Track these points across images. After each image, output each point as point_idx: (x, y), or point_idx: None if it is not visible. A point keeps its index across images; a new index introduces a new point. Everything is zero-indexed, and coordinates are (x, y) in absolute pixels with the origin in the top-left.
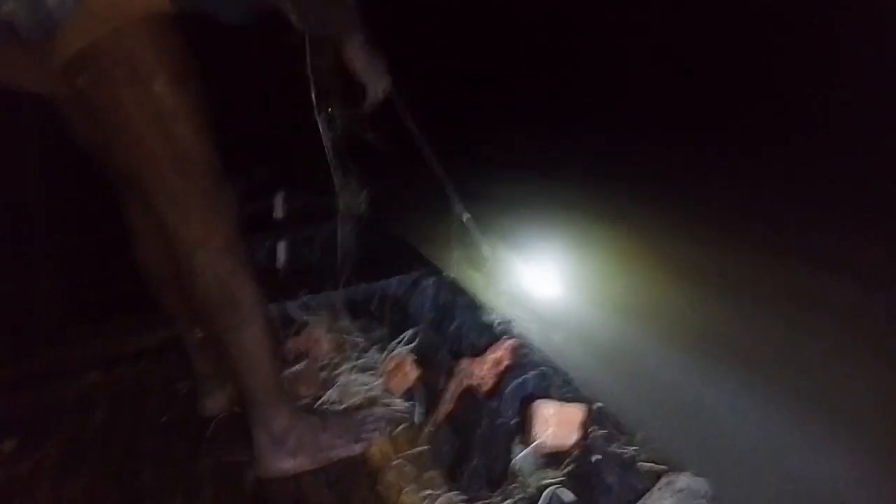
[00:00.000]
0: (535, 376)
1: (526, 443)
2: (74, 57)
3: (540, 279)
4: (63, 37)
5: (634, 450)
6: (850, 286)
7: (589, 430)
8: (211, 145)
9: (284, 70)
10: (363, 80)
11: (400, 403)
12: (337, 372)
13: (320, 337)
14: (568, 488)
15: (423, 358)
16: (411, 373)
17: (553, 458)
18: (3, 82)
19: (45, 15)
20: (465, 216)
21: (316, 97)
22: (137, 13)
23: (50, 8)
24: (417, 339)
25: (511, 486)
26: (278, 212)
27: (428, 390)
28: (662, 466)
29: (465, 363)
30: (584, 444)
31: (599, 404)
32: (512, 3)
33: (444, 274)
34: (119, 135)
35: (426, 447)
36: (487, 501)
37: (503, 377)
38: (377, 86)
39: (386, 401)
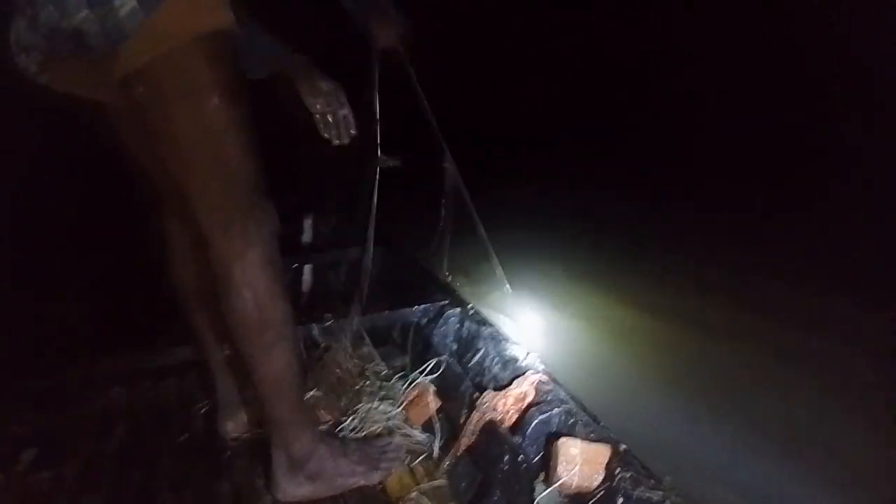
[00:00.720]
0: (559, 413)
1: (549, 482)
2: (137, 68)
3: (563, 317)
4: (128, 49)
5: (662, 493)
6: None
7: (615, 472)
8: (257, 161)
9: None
10: (374, 31)
11: (420, 434)
12: (358, 399)
13: (343, 363)
14: None
15: (445, 389)
16: (432, 404)
17: (577, 499)
18: (68, 91)
19: (116, 26)
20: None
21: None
22: (201, 30)
23: (121, 19)
24: (440, 370)
25: None
26: (306, 236)
27: (449, 422)
28: None
29: (487, 396)
30: (610, 485)
31: (625, 445)
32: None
33: (468, 304)
34: (170, 146)
35: (445, 480)
36: None
37: (527, 413)
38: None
39: (406, 431)
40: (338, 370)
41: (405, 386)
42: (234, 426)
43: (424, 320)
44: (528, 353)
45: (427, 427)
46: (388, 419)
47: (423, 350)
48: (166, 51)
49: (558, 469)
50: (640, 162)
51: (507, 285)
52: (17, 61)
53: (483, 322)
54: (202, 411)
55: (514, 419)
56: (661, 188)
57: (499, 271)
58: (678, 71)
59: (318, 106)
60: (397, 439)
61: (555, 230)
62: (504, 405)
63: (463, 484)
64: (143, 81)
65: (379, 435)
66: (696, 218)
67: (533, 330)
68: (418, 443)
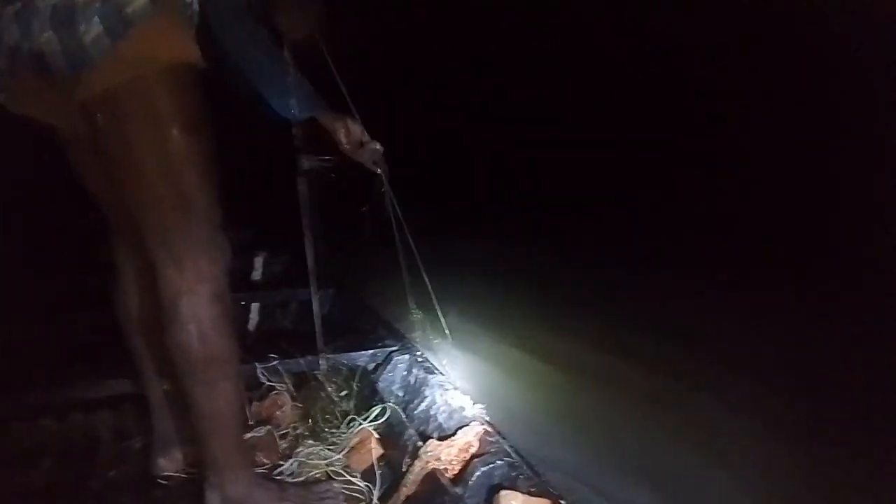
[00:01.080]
0: (503, 466)
1: None
2: (98, 95)
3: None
4: (91, 74)
5: None
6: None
7: None
8: (214, 195)
9: (273, 136)
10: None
11: (359, 481)
12: (298, 442)
13: (285, 404)
14: None
15: (389, 436)
16: (374, 450)
17: None
18: (24, 112)
19: (79, 50)
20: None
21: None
22: (165, 62)
23: (85, 44)
24: (385, 417)
25: None
26: (257, 274)
27: (391, 470)
28: None
29: (431, 445)
30: None
31: (565, 501)
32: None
33: (418, 352)
34: (128, 174)
35: None
36: None
37: (470, 464)
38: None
39: (345, 477)
40: (279, 412)
41: (348, 431)
42: (168, 464)
43: (372, 365)
44: (473, 404)
45: (368, 474)
46: (329, 465)
47: (368, 395)
48: (129, 79)
49: None
50: (594, 208)
51: (447, 330)
52: None
53: (431, 370)
54: (136, 446)
55: (457, 469)
56: (611, 236)
57: (439, 313)
58: (628, 111)
59: (350, 144)
60: (336, 486)
61: (497, 274)
62: (448, 455)
63: None
64: (103, 108)
65: (318, 480)
66: (646, 265)
67: (473, 374)
68: (357, 490)
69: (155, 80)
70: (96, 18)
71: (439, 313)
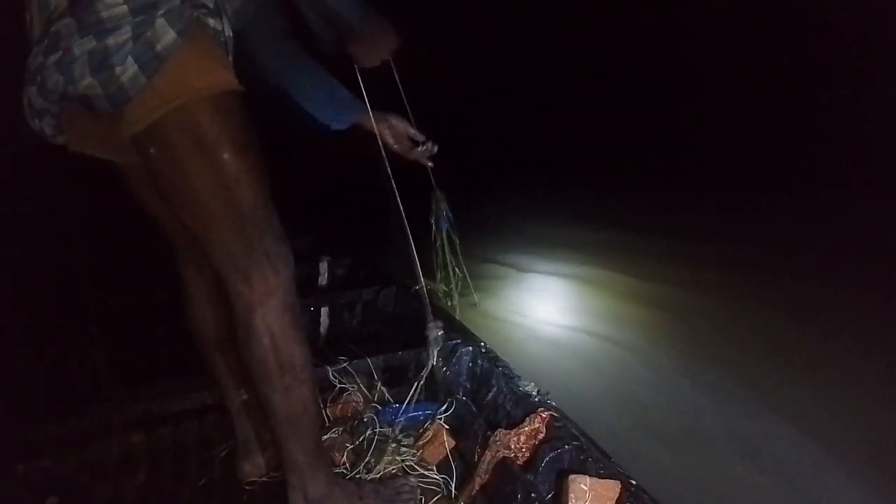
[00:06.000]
0: (571, 450)
1: None
2: (145, 129)
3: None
4: (133, 110)
5: None
6: None
7: None
8: (272, 208)
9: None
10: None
11: (434, 473)
12: (372, 440)
13: (357, 404)
14: None
15: (459, 428)
16: (447, 443)
17: None
18: (82, 151)
19: (119, 90)
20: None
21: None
22: (203, 91)
23: (124, 84)
24: (453, 409)
25: None
26: (322, 278)
27: (463, 461)
28: None
29: (500, 434)
30: None
31: (635, 481)
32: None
33: (481, 342)
34: (184, 201)
35: None
36: None
37: (539, 449)
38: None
39: (421, 471)
40: (352, 411)
41: (420, 426)
42: (253, 469)
43: (438, 359)
44: (538, 390)
45: (443, 466)
46: (403, 459)
47: (437, 389)
48: (169, 111)
49: None
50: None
51: (476, 297)
52: (32, 125)
53: (495, 359)
54: (221, 454)
55: (526, 456)
56: (658, 187)
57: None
58: (672, 65)
59: (398, 144)
60: (412, 480)
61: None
62: (517, 442)
63: None
64: (151, 141)
65: (394, 476)
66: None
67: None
68: (433, 483)
69: (196, 107)
70: (130, 58)
71: (469, 282)
